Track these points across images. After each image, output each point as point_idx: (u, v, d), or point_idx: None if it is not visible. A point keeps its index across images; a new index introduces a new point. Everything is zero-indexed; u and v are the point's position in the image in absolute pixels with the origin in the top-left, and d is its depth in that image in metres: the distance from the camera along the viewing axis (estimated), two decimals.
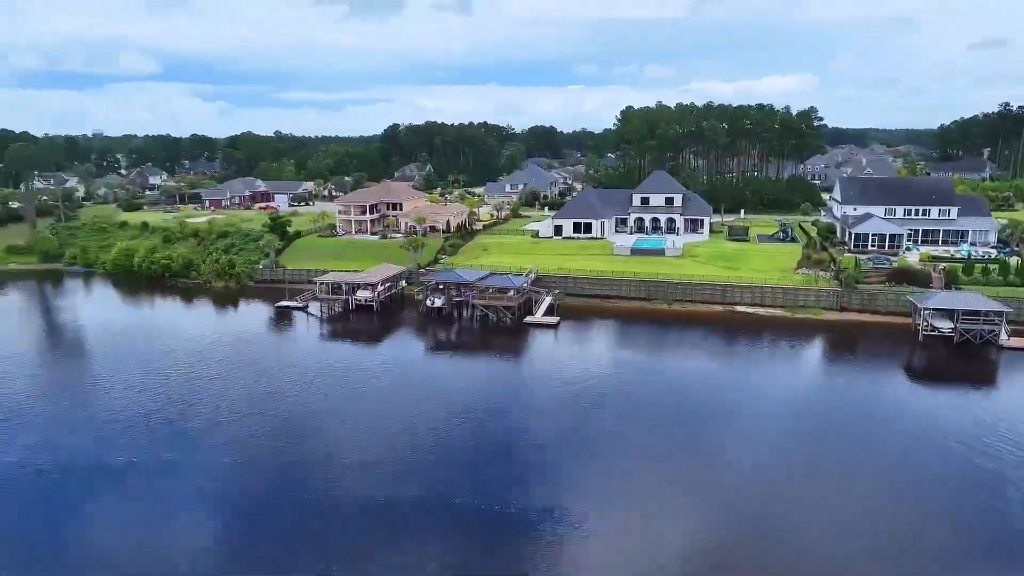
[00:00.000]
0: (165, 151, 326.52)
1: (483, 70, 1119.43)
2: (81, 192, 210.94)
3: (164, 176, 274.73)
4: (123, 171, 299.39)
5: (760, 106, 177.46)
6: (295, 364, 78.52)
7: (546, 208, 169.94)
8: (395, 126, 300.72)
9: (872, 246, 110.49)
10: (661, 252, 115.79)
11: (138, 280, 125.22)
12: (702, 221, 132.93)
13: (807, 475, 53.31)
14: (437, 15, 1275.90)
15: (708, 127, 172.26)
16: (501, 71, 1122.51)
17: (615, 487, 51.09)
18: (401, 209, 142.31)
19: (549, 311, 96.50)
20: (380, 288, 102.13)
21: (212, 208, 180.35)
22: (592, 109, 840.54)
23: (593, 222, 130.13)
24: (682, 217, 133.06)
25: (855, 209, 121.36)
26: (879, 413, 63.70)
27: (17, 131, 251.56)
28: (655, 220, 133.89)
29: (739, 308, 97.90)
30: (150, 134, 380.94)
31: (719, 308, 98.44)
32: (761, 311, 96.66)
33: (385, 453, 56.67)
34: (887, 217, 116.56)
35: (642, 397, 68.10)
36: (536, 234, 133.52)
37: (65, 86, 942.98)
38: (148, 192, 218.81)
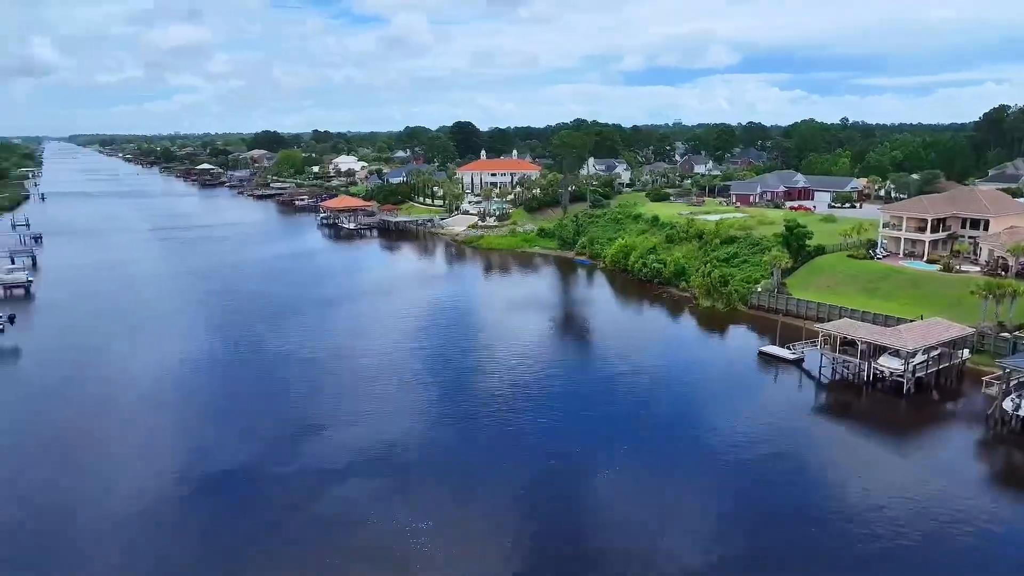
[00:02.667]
0: (717, 139, 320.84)
1: None
2: (625, 179, 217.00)
3: (709, 165, 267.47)
4: (677, 158, 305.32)
5: None
6: (771, 445, 51.74)
7: None
8: (1001, 108, 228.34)
9: None
10: None
11: (629, 282, 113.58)
12: None
13: None
14: None
15: None
16: None
17: None
18: (986, 229, 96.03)
19: None
20: (921, 357, 65.08)
21: (737, 204, 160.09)
22: None
23: None
24: None
25: None
26: None
27: (617, 125, 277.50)
28: None
29: None
30: (722, 123, 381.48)
31: None
32: None
33: None
34: None
35: None
36: None
37: (661, 82, 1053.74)
38: (686, 181, 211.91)
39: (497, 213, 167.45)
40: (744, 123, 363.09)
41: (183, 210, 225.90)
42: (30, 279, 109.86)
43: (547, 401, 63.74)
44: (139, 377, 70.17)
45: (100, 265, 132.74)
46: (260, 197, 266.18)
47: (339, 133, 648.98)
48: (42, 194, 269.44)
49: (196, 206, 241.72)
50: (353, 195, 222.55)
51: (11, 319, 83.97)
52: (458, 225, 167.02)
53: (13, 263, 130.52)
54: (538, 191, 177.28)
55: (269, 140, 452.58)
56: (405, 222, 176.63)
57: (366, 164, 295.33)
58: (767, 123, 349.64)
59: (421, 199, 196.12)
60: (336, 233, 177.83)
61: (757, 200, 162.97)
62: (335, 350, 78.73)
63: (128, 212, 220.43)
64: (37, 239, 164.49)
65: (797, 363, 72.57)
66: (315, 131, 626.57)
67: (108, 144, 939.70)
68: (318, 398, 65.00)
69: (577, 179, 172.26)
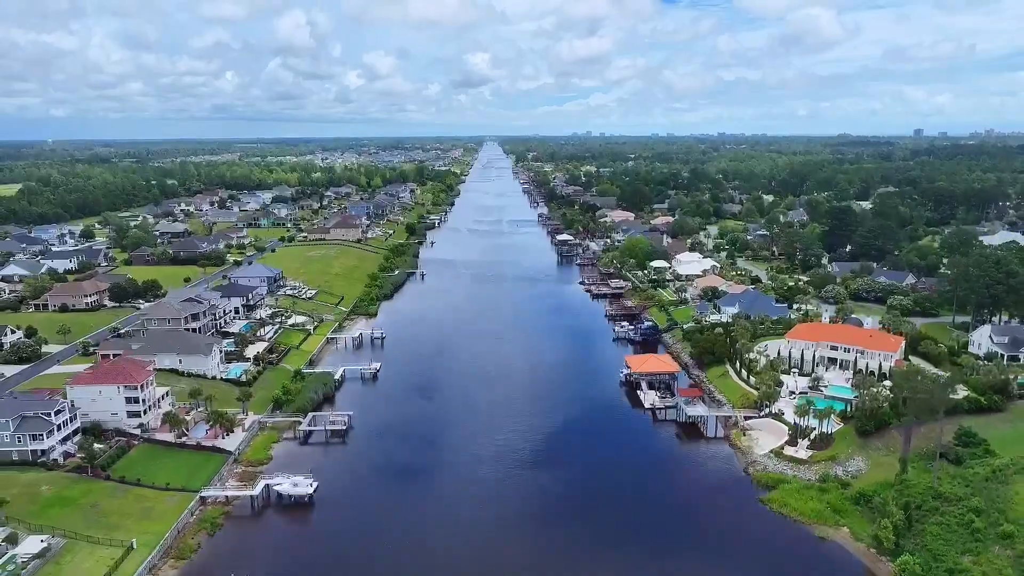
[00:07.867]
0: None
1: None
2: None
3: None
4: None
5: None
6: None
7: None
8: None
9: None
10: None
11: None
12: None
13: None
14: None
15: None
16: None
17: None
18: None
19: None
20: None
21: None
22: None
23: None
24: None
25: None
26: None
27: None
28: None
29: None
30: None
31: None
32: None
33: None
34: None
35: None
36: None
37: None
38: None
39: (816, 432, 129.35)
40: None
41: (504, 319, 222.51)
42: (313, 485, 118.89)
43: None
44: None
45: (408, 438, 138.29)
46: (597, 296, 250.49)
47: (734, 141, 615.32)
48: (422, 273, 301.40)
49: (526, 306, 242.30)
50: (669, 341, 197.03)
51: None
52: (768, 436, 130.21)
53: (330, 435, 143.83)
54: (884, 403, 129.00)
55: (631, 193, 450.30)
56: (702, 416, 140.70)
57: (712, 266, 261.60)
58: None
59: (739, 367, 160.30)
60: (632, 404, 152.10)
61: None
62: None
63: (469, 313, 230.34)
64: (375, 375, 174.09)
65: None
66: (714, 132, 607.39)
67: (522, 159, 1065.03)
68: None
69: (934, 400, 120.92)
